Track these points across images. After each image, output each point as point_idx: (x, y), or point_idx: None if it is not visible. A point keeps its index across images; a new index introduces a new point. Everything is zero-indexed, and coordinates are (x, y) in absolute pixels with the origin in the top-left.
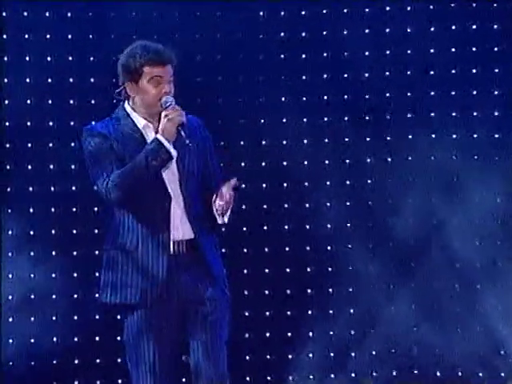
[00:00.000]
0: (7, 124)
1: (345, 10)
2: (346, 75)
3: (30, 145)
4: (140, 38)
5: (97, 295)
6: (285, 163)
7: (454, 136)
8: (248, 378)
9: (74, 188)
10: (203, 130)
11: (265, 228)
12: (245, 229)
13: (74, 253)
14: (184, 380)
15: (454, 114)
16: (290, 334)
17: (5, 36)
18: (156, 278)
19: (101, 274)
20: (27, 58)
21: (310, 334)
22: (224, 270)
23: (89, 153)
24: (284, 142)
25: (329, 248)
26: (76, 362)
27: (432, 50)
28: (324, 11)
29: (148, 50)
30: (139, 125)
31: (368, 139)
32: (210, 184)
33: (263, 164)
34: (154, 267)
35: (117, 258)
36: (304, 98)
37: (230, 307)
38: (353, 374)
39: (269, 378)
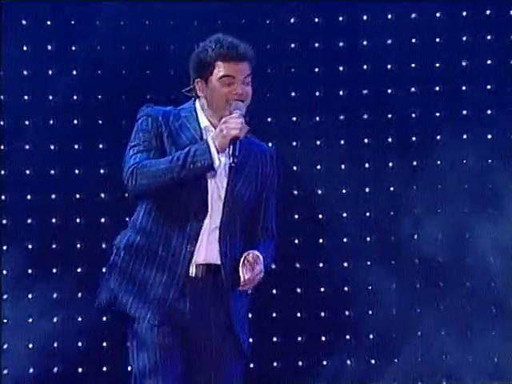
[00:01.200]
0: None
1: None
2: (364, 66)
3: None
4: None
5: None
6: (294, 168)
7: (489, 136)
8: None
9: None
10: (270, 164)
11: None
12: None
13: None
14: None
15: (489, 112)
16: (301, 363)
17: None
18: (166, 297)
19: (106, 274)
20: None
21: (325, 362)
22: (246, 324)
23: (135, 132)
24: (294, 144)
25: (345, 264)
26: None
27: (464, 38)
28: None
29: (222, 43)
30: (202, 124)
31: (390, 140)
32: (255, 224)
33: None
34: (168, 284)
35: (130, 263)
36: (317, 93)
37: (242, 360)
38: None
39: None
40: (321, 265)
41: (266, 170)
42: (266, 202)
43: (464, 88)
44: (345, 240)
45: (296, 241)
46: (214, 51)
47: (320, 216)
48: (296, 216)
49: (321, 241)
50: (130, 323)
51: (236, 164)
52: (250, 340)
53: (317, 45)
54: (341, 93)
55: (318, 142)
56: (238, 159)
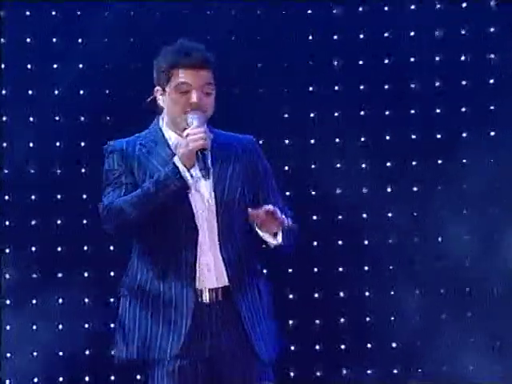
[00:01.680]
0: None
1: None
2: (386, 60)
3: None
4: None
5: (112, 352)
6: (313, 166)
7: None
8: None
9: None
10: (253, 150)
11: None
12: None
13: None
14: None
15: None
16: (319, 373)
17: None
18: (178, 333)
19: (116, 324)
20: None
21: (344, 371)
22: (269, 334)
23: (103, 174)
24: (311, 141)
25: (366, 268)
26: None
27: (492, 29)
28: None
29: (179, 49)
30: (171, 142)
31: (414, 137)
32: None
33: (286, 168)
34: (178, 319)
35: (136, 308)
36: (336, 88)
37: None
38: None
39: None
40: (340, 269)
41: (253, 159)
42: (264, 187)
43: (491, 82)
44: (365, 242)
45: (314, 243)
46: (171, 58)
47: (339, 217)
48: (314, 217)
49: (340, 243)
50: (147, 369)
51: (219, 167)
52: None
53: (336, 37)
54: (361, 87)
55: (337, 140)
56: (219, 162)
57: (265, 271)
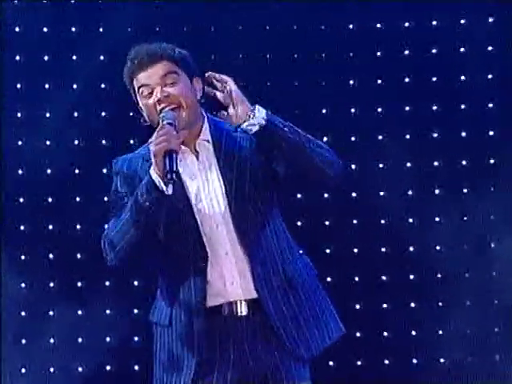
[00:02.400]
0: None
1: None
2: (434, 50)
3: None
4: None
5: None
6: (353, 166)
7: None
8: None
9: None
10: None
11: (327, 251)
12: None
13: None
14: None
15: None
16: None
17: None
18: (190, 361)
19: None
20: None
21: None
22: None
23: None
24: (352, 138)
25: (411, 277)
26: None
27: None
28: None
29: (130, 56)
30: None
31: (463, 134)
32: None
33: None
34: (189, 345)
35: (160, 335)
36: (378, 81)
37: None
38: None
39: None
40: (383, 277)
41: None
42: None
43: None
44: (411, 249)
45: (355, 250)
46: (126, 72)
47: (382, 222)
48: (355, 221)
49: (383, 250)
50: None
51: (223, 162)
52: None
53: (378, 25)
54: (406, 80)
55: (380, 137)
56: (223, 148)
57: None
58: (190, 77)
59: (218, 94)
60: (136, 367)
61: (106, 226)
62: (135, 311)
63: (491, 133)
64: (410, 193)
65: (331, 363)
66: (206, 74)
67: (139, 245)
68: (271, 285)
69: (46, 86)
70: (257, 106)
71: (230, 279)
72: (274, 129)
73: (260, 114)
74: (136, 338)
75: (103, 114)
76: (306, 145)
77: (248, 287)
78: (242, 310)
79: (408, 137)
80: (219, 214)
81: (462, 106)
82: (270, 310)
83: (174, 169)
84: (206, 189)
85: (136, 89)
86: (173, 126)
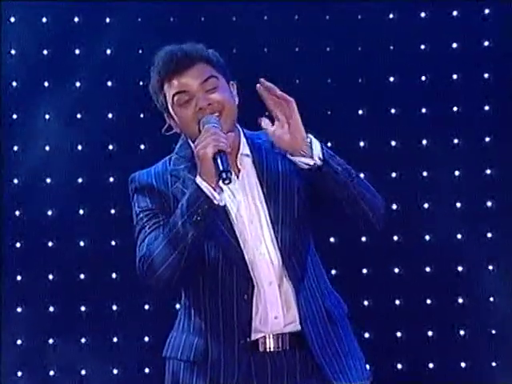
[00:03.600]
0: None
1: None
2: (486, 42)
3: None
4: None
5: None
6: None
7: None
8: None
9: None
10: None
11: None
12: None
13: None
14: None
15: None
16: None
17: None
18: None
19: None
20: None
21: None
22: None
23: (134, 215)
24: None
25: (460, 301)
26: None
27: None
28: None
29: (160, 58)
30: None
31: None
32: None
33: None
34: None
35: (180, 372)
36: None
37: None
38: None
39: None
40: (428, 301)
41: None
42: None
43: None
44: (460, 269)
45: (396, 269)
46: (156, 74)
47: (426, 238)
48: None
49: (427, 270)
50: None
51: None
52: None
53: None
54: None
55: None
56: (265, 167)
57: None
58: (227, 81)
59: (271, 104)
60: None
61: (142, 248)
62: (146, 339)
63: None
64: (457, 205)
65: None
66: (261, 82)
67: (182, 269)
68: (314, 318)
69: (46, 83)
70: (312, 139)
71: (274, 312)
72: (327, 171)
73: (316, 150)
74: (147, 370)
75: (110, 115)
76: (356, 190)
77: (291, 320)
78: (286, 343)
79: (455, 141)
80: (262, 239)
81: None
82: (314, 344)
83: (229, 169)
84: (248, 210)
85: (168, 95)
86: (216, 128)
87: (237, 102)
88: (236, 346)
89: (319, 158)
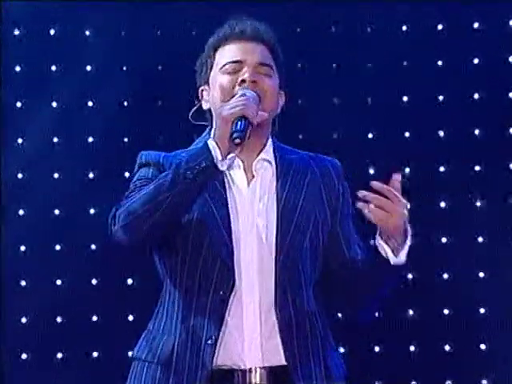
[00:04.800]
0: None
1: None
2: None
3: None
4: None
5: None
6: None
7: None
8: None
9: None
10: (336, 178)
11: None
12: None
13: None
14: None
15: None
16: None
17: None
18: None
19: None
20: None
21: None
22: None
23: (131, 184)
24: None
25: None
26: None
27: None
28: None
29: (225, 26)
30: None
31: None
32: (336, 254)
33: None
34: None
35: (142, 374)
36: (440, 98)
37: None
38: None
39: None
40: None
41: (331, 184)
42: (344, 224)
43: None
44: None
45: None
46: (213, 40)
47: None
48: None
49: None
50: None
51: (286, 192)
52: None
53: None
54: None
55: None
56: (288, 181)
57: None
58: (280, 83)
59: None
60: None
61: (119, 204)
62: None
63: None
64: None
65: None
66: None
67: (159, 226)
68: (307, 357)
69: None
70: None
71: (249, 338)
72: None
73: (403, 255)
74: None
75: (90, 139)
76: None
77: (273, 352)
78: (260, 380)
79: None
80: (257, 249)
81: None
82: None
83: (244, 132)
84: (250, 217)
85: (217, 63)
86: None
87: (278, 111)
88: (202, 347)
89: (401, 261)
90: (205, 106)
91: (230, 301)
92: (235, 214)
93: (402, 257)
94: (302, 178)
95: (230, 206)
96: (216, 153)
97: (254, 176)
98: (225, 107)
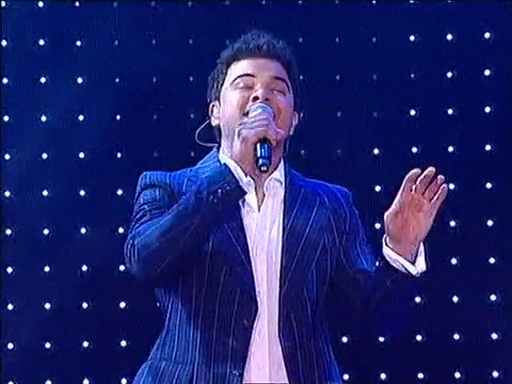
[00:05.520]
0: None
1: None
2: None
3: None
4: None
5: None
6: None
7: None
8: None
9: None
10: (345, 204)
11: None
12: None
13: None
14: None
15: None
16: None
17: None
18: None
19: None
20: None
21: None
22: None
23: (137, 206)
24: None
25: None
26: None
27: None
28: None
29: (236, 43)
30: None
31: None
32: (349, 278)
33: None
34: None
35: (160, 370)
36: (449, 111)
37: None
38: None
39: None
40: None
41: (340, 211)
42: (349, 247)
43: None
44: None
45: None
46: (226, 54)
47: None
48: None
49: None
50: None
51: (293, 217)
52: None
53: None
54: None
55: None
56: (296, 206)
57: None
58: (294, 103)
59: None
60: None
61: (136, 229)
62: None
63: None
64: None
65: None
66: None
67: (182, 255)
68: (307, 376)
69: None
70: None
71: (260, 359)
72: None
73: (422, 262)
74: None
75: (81, 155)
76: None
77: (278, 372)
78: None
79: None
80: (266, 276)
81: None
82: None
83: (270, 157)
84: (261, 243)
85: (229, 77)
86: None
87: (290, 132)
88: (227, 378)
89: (419, 274)
90: (213, 123)
91: (253, 330)
92: (250, 239)
93: (422, 264)
94: (310, 205)
95: (245, 229)
96: (239, 174)
97: (264, 195)
98: (245, 126)
